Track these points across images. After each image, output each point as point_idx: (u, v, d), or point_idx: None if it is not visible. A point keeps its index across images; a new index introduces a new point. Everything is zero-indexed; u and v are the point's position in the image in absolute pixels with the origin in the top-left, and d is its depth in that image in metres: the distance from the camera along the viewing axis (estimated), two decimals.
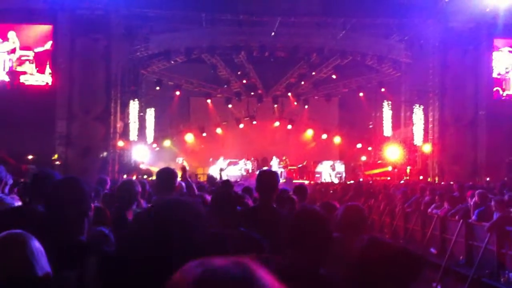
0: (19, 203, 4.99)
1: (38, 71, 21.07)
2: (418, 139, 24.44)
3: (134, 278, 1.91)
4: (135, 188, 5.36)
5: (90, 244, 2.89)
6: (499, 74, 22.56)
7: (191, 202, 2.06)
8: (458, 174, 20.47)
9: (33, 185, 4.52)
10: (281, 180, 24.94)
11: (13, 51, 20.96)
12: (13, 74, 21.03)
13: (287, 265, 2.88)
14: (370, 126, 30.63)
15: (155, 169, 22.34)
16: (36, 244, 2.34)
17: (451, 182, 16.79)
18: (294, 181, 22.52)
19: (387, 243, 2.83)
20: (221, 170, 25.93)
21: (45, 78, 21.07)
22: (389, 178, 24.61)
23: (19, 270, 2.29)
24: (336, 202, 6.02)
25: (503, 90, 22.57)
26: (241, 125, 30.02)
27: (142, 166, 24.20)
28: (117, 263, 2.53)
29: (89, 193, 3.20)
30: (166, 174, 5.22)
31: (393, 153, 26.96)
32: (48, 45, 21.07)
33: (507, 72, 22.62)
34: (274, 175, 5.20)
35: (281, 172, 26.84)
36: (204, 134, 29.76)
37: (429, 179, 22.23)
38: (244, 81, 28.37)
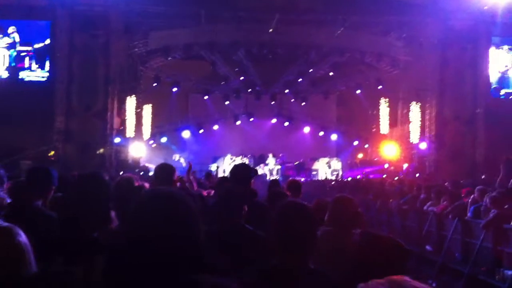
0: (8, 200, 5.00)
1: (38, 67, 21.10)
2: (415, 136, 24.49)
3: (136, 275, 1.91)
4: (133, 184, 5.42)
5: (101, 240, 2.90)
6: (499, 72, 22.63)
7: (180, 195, 2.00)
8: (455, 172, 20.49)
9: (30, 181, 4.53)
10: (278, 177, 25.10)
11: (12, 46, 20.96)
12: (13, 69, 21.03)
13: (276, 262, 2.89)
14: (374, 130, 30.52)
15: (151, 166, 22.37)
16: (24, 239, 2.24)
17: (445, 182, 16.89)
18: (290, 178, 22.53)
19: (380, 236, 2.86)
20: (218, 167, 26.01)
21: (45, 74, 21.08)
22: (385, 176, 24.65)
23: (12, 266, 2.18)
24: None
25: (502, 88, 22.64)
26: (239, 122, 30.03)
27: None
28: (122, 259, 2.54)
29: (109, 191, 3.21)
30: (164, 170, 5.28)
31: (390, 150, 26.98)
32: (48, 41, 21.08)
33: (506, 70, 22.69)
34: (247, 168, 5.51)
35: (278, 169, 26.92)
36: (201, 131, 29.76)
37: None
38: (242, 78, 28.37)
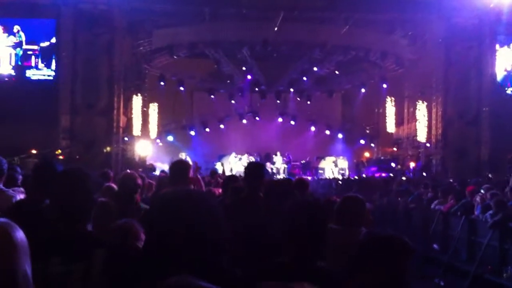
0: (22, 196, 4.96)
1: (44, 65, 21.14)
2: (421, 135, 24.40)
3: (140, 271, 1.90)
4: (136, 181, 5.42)
5: (98, 236, 2.89)
6: (505, 70, 22.53)
7: (203, 195, 1.97)
8: (461, 171, 20.45)
9: (35, 176, 4.48)
10: (284, 176, 25.08)
11: (19, 45, 21.00)
12: (19, 68, 21.08)
13: (286, 260, 2.87)
14: (367, 131, 30.47)
15: (158, 164, 22.39)
16: (21, 236, 2.02)
17: (451, 180, 16.88)
18: (296, 176, 22.51)
19: (384, 236, 2.84)
20: (223, 165, 26.03)
21: (51, 72, 21.13)
22: (391, 174, 24.58)
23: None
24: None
25: (508, 86, 22.55)
26: (244, 121, 29.98)
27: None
28: (124, 256, 2.51)
29: (93, 184, 3.18)
30: (179, 166, 5.27)
31: (395, 149, 26.90)
32: (54, 39, 21.11)
33: None
34: (261, 166, 5.54)
35: (284, 168, 26.88)
36: (207, 129, 29.74)
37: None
38: (249, 77, 28.30)
